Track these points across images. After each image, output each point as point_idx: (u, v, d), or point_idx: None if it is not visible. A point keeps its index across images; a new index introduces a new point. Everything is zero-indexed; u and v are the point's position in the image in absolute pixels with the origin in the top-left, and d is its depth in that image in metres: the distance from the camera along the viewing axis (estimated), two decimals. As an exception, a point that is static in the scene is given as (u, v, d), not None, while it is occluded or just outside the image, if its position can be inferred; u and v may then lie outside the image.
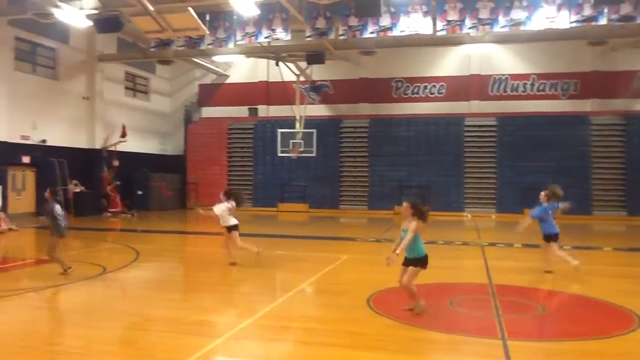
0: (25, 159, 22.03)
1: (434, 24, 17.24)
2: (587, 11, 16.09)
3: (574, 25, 16.44)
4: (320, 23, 18.19)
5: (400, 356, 6.13)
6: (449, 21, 17.11)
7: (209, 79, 31.87)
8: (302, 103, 26.76)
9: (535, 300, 8.74)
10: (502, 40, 22.69)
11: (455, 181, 27.27)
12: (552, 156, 25.91)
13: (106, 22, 17.33)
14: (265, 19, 18.22)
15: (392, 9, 17.31)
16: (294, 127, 26.38)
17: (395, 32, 17.55)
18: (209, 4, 18.00)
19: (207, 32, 17.93)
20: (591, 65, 26.64)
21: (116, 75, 28.06)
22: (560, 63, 26.92)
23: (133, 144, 27.47)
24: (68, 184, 23.58)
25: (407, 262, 7.54)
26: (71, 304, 8.43)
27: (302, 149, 25.91)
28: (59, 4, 17.84)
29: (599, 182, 25.75)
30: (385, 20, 17.39)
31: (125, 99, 29.04)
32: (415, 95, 29.01)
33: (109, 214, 24.61)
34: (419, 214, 7.39)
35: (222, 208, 11.57)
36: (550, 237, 10.92)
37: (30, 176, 22.71)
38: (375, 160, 28.33)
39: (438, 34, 17.54)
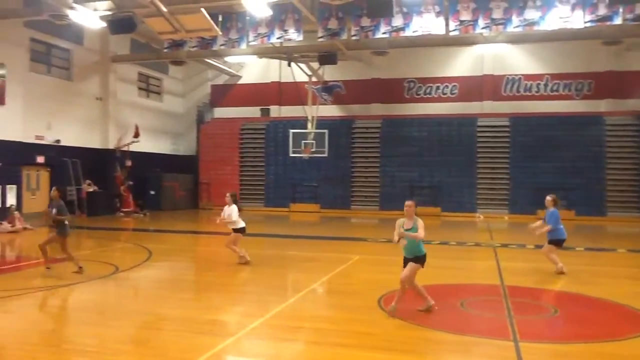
0: (40, 159, 22.24)
1: (447, 24, 17.16)
2: (602, 11, 15.92)
3: (588, 25, 16.27)
4: (333, 24, 18.18)
5: (411, 357, 6.12)
6: (461, 21, 17.02)
7: (222, 79, 31.99)
8: (314, 103, 26.79)
9: (547, 302, 8.68)
10: (515, 40, 22.54)
11: (467, 182, 27.15)
12: (565, 157, 25.73)
13: (120, 23, 17.44)
14: (278, 20, 18.25)
15: (405, 9, 17.26)
16: (305, 128, 26.42)
17: (408, 33, 17.49)
18: (222, 5, 18.07)
19: (220, 32, 17.96)
20: (605, 65, 26.40)
21: (129, 75, 28.26)
22: (574, 63, 26.70)
23: (146, 144, 27.65)
24: (81, 184, 23.81)
25: (411, 260, 7.53)
26: (84, 302, 8.51)
27: (313, 150, 25.93)
28: (74, 5, 18.02)
29: (613, 183, 25.52)
30: (397, 21, 17.34)
31: (139, 99, 29.24)
32: (428, 96, 28.92)
33: (121, 214, 24.80)
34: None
35: (236, 211, 11.73)
36: (560, 243, 10.81)
37: (44, 176, 22.93)
38: (387, 161, 28.28)
39: (451, 34, 17.46)
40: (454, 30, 17.18)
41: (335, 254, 13.86)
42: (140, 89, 29.62)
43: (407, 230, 7.44)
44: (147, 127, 28.01)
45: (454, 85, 28.54)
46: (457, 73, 28.43)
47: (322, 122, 26.69)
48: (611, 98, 26.45)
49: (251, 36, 18.72)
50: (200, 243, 17.48)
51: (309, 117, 26.38)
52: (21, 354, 6.08)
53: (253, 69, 31.10)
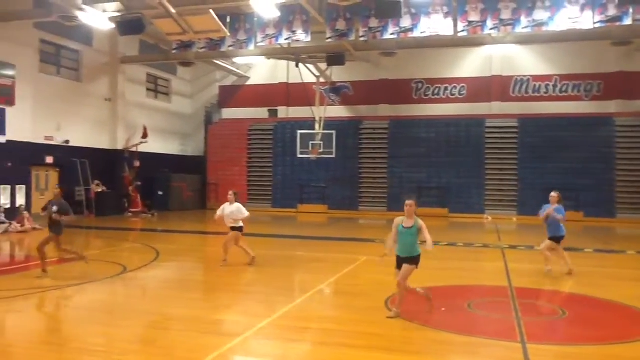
0: (49, 159, 22.40)
1: (455, 25, 17.13)
2: (612, 11, 15.84)
3: (597, 25, 16.19)
4: (341, 24, 18.19)
5: (418, 358, 6.11)
6: (470, 22, 16.98)
7: (230, 80, 32.06)
8: (321, 104, 26.79)
9: (555, 304, 8.63)
10: (524, 41, 22.45)
11: (475, 183, 27.07)
12: (574, 158, 25.60)
13: (129, 25, 17.55)
14: (286, 21, 18.28)
15: (413, 10, 17.25)
16: (313, 129, 26.43)
17: (416, 33, 17.47)
18: (230, 6, 18.12)
19: (228, 34, 18.04)
20: (615, 66, 26.24)
21: (138, 77, 28.39)
22: (583, 64, 26.56)
23: (154, 145, 27.76)
24: (90, 184, 23.94)
25: (408, 260, 7.43)
26: (93, 302, 8.55)
27: (321, 151, 25.94)
28: (83, 7, 18.15)
29: (623, 185, 25.35)
30: (405, 22, 17.33)
31: (147, 100, 29.37)
32: (436, 97, 28.85)
33: (130, 214, 24.91)
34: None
35: (244, 208, 11.69)
36: (560, 239, 10.80)
37: (53, 176, 23.08)
38: (394, 162, 28.24)
39: (459, 34, 17.43)
40: (462, 31, 17.15)
41: (343, 255, 13.85)
42: (148, 89, 29.75)
43: (407, 228, 7.39)
44: (155, 128, 28.12)
45: (462, 86, 28.46)
46: (465, 74, 28.35)
47: (329, 123, 26.69)
48: (621, 99, 26.28)
49: (259, 37, 18.77)
50: (208, 243, 17.51)
51: (317, 118, 26.39)
52: (30, 352, 6.13)
53: (261, 70, 31.15)
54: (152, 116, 28.68)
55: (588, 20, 16.04)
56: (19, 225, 18.32)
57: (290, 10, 18.18)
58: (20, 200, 20.10)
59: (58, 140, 22.76)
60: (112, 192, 25.08)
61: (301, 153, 26.37)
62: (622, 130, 25.74)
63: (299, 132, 26.54)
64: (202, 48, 20.20)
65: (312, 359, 6.17)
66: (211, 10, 16.13)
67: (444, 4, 17.02)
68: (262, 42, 18.87)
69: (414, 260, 7.46)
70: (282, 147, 29.90)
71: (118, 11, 18.61)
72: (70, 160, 23.31)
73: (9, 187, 20.01)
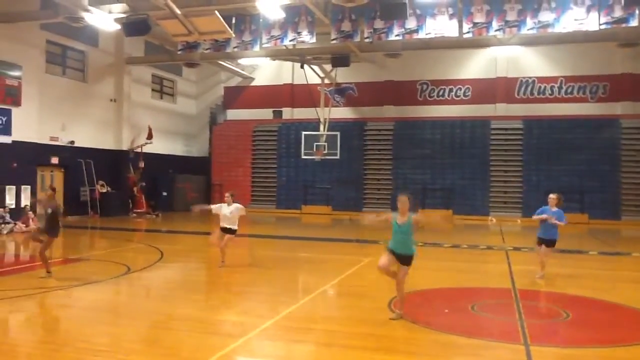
0: (54, 160, 22.48)
1: (460, 26, 17.09)
2: (618, 12, 15.75)
3: (603, 27, 16.12)
4: (346, 26, 18.17)
5: (421, 359, 6.10)
6: (475, 23, 16.94)
7: (235, 81, 32.12)
8: (326, 105, 26.80)
9: (559, 306, 8.61)
10: (529, 42, 22.40)
11: (480, 185, 27.02)
12: (580, 160, 25.53)
13: (134, 26, 17.60)
14: (291, 22, 18.29)
15: (418, 11, 17.21)
16: (318, 130, 26.43)
17: (421, 35, 17.42)
18: (235, 7, 18.16)
19: (233, 35, 18.07)
20: (621, 68, 26.16)
21: (143, 77, 28.47)
22: (589, 65, 26.48)
23: (159, 146, 27.82)
24: (95, 185, 24.02)
25: (404, 260, 7.42)
26: (97, 302, 8.58)
27: (326, 152, 25.92)
28: (89, 8, 18.22)
29: (628, 187, 25.26)
30: (410, 23, 17.29)
31: (152, 101, 29.44)
32: (441, 98, 28.82)
33: (134, 215, 24.97)
34: (414, 208, 7.45)
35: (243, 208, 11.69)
36: (554, 243, 10.62)
37: (58, 176, 23.17)
38: (399, 163, 28.21)
39: (464, 36, 17.40)
40: (467, 32, 17.12)
41: (347, 256, 13.85)
42: (154, 90, 29.83)
43: (400, 225, 7.31)
44: (160, 129, 28.18)
45: (467, 88, 28.42)
46: (470, 75, 28.30)
47: (334, 124, 26.69)
48: (627, 101, 26.19)
49: (264, 38, 18.77)
50: (212, 244, 17.51)
51: (321, 119, 26.39)
52: (36, 352, 6.16)
53: (266, 71, 31.19)
54: (157, 117, 28.74)
55: (594, 22, 15.97)
56: (24, 225, 18.39)
57: (295, 11, 18.18)
58: (25, 201, 20.17)
59: (63, 140, 22.84)
60: (116, 193, 25.14)
61: (305, 154, 26.37)
62: (628, 132, 25.65)
63: (304, 133, 26.55)
64: (207, 49, 20.22)
65: (315, 360, 6.18)
66: (216, 12, 16.18)
67: (449, 5, 16.98)
68: (267, 43, 18.88)
69: (410, 260, 7.44)
70: (286, 148, 29.92)
71: (124, 12, 18.67)
72: (75, 161, 23.39)
73: (14, 187, 20.09)
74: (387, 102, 29.34)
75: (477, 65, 28.11)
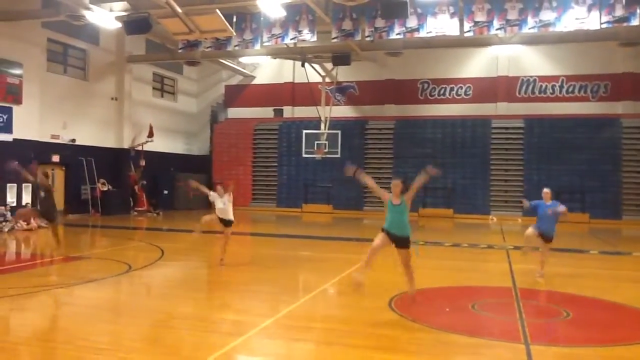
0: (55, 158, 22.49)
1: (461, 25, 17.09)
2: (619, 12, 15.73)
3: (604, 26, 16.10)
4: (347, 24, 18.17)
5: (421, 358, 6.12)
6: (476, 22, 16.93)
7: (235, 80, 32.13)
8: (327, 104, 26.81)
9: (559, 305, 8.61)
10: (530, 41, 22.39)
11: (481, 184, 27.03)
12: (581, 159, 25.53)
13: (135, 24, 17.60)
14: (292, 21, 18.28)
15: (419, 10, 17.20)
16: (319, 128, 26.44)
17: (422, 34, 17.42)
18: (236, 6, 18.15)
19: (234, 33, 18.06)
20: (622, 67, 26.16)
21: (144, 76, 28.47)
22: (590, 64, 26.47)
23: (160, 144, 27.84)
24: (96, 183, 24.03)
25: (400, 242, 7.61)
26: (98, 300, 8.59)
27: (326, 150, 25.95)
28: (90, 6, 18.22)
29: (629, 186, 25.26)
30: (411, 22, 17.28)
31: (153, 99, 29.45)
32: (442, 97, 28.82)
33: (135, 213, 24.99)
34: (406, 190, 7.65)
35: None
36: (551, 238, 10.69)
37: (59, 175, 23.18)
38: (400, 162, 28.21)
39: (465, 35, 17.39)
40: (468, 31, 17.11)
41: (347, 255, 13.86)
42: (154, 89, 29.84)
43: (395, 205, 7.56)
44: (161, 127, 28.21)
45: (469, 87, 28.42)
46: (471, 74, 28.30)
47: (335, 123, 26.70)
48: (628, 100, 26.19)
49: (265, 37, 18.77)
50: (213, 242, 17.50)
51: (322, 118, 26.40)
52: (37, 350, 6.17)
53: (267, 70, 31.20)
54: (158, 115, 28.76)
55: (595, 21, 15.95)
56: (25, 223, 18.40)
57: (296, 9, 18.18)
58: (26, 199, 20.18)
59: (64, 138, 22.86)
60: (117, 191, 25.16)
61: (306, 153, 26.38)
62: (629, 132, 25.65)
63: (305, 131, 26.56)
64: (208, 47, 20.21)
65: (316, 359, 6.18)
66: (218, 10, 16.18)
67: (450, 4, 16.97)
68: (268, 41, 18.88)
69: (408, 241, 7.64)
70: (287, 146, 29.93)
71: (125, 10, 18.68)
72: (76, 159, 23.41)
73: (15, 185, 20.10)
74: (388, 101, 29.34)
75: (478, 64, 28.10)
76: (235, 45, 19.43)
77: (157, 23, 17.80)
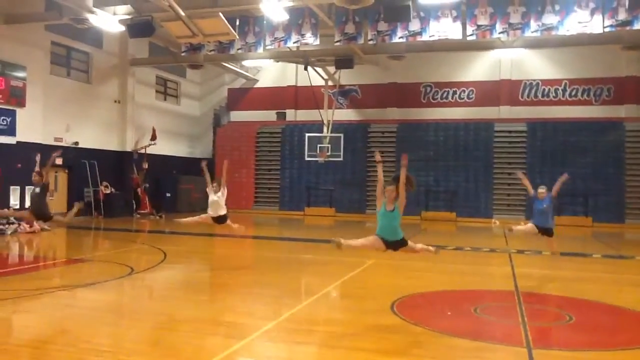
0: (58, 161, 22.43)
1: (464, 29, 17.09)
2: (622, 15, 15.70)
3: (608, 29, 16.07)
4: (350, 28, 18.18)
5: (424, 362, 6.11)
6: (479, 26, 16.92)
7: (238, 83, 32.17)
8: (330, 107, 26.81)
9: (562, 309, 8.59)
10: (533, 45, 22.38)
11: (483, 187, 26.99)
12: (584, 163, 25.46)
13: (138, 27, 17.66)
14: (295, 24, 18.30)
15: (422, 14, 17.20)
16: (321, 132, 26.45)
17: (425, 37, 17.41)
18: (239, 9, 18.20)
19: (237, 37, 18.10)
20: (626, 70, 26.11)
21: (147, 79, 28.54)
22: (593, 68, 26.43)
23: (162, 147, 27.89)
24: (99, 185, 24.08)
25: (398, 244, 7.67)
26: (100, 303, 8.59)
27: (329, 154, 25.94)
28: (94, 9, 18.29)
29: (633, 190, 25.19)
30: (414, 25, 17.28)
31: (156, 102, 29.50)
32: (445, 100, 28.81)
33: (138, 216, 25.02)
34: (400, 195, 7.74)
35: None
36: (551, 232, 10.99)
37: (62, 177, 23.23)
38: (402, 165, 28.13)
39: (468, 38, 17.38)
40: (471, 34, 17.09)
41: (350, 258, 13.82)
42: (158, 92, 29.88)
43: (388, 211, 7.63)
44: (164, 130, 28.25)
45: (471, 90, 28.40)
46: (474, 78, 28.28)
47: (338, 126, 26.70)
48: (631, 104, 26.12)
49: (268, 40, 18.79)
50: (215, 245, 17.56)
51: (325, 121, 26.41)
52: (39, 352, 6.17)
53: (269, 73, 31.24)
54: (161, 118, 28.81)
55: (598, 25, 15.93)
56: (28, 226, 18.42)
57: (299, 13, 18.20)
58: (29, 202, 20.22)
59: (67, 141, 22.90)
60: (120, 194, 25.20)
61: (309, 156, 26.39)
62: (633, 135, 25.58)
63: (307, 135, 26.56)
64: (211, 51, 20.25)
65: (318, 362, 6.18)
66: (221, 14, 16.23)
67: (452, 8, 16.98)
68: (270, 45, 18.90)
69: (404, 241, 7.69)
70: (289, 149, 29.93)
71: (128, 14, 18.73)
72: (79, 162, 23.46)
73: (18, 188, 20.14)
74: (391, 104, 29.34)
75: (480, 68, 28.09)
76: (238, 49, 19.46)
77: (160, 26, 17.87)
